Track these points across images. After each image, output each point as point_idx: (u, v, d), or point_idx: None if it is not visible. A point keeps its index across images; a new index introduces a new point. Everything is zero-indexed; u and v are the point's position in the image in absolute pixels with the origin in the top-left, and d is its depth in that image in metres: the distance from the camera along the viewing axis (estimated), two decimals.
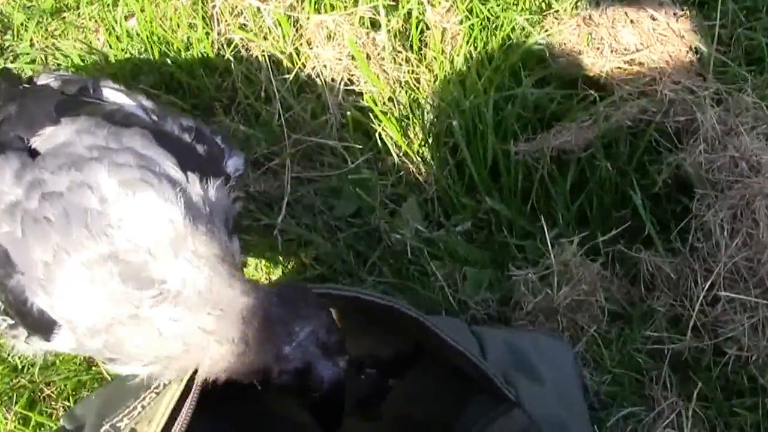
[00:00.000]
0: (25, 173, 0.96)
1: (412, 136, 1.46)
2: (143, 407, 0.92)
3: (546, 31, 1.49)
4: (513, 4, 1.56)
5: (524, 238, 1.37)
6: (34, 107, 1.04)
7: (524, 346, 1.15)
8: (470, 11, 1.54)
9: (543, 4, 1.56)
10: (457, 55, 1.50)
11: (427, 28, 1.53)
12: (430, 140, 1.45)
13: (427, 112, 1.46)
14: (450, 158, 1.42)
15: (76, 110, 1.02)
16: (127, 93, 1.11)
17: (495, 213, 1.37)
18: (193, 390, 0.83)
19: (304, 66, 1.53)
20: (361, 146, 1.47)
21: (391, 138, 1.45)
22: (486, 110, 1.40)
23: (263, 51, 1.55)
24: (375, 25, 1.53)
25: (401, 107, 1.48)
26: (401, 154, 1.45)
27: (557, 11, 1.53)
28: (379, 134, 1.46)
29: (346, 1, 1.55)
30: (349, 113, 1.47)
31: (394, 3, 1.54)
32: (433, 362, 1.06)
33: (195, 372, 0.84)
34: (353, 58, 1.49)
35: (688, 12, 1.49)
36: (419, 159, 1.44)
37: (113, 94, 1.10)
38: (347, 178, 1.43)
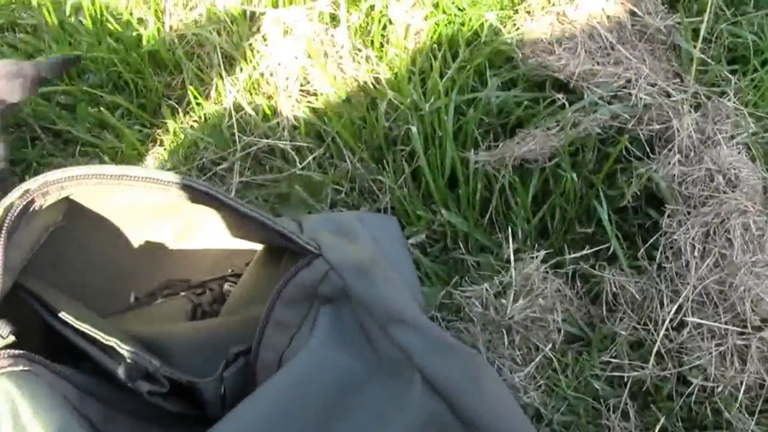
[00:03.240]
0: None
1: (367, 140, 1.45)
2: None
3: (517, 28, 1.47)
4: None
5: (482, 251, 1.35)
6: None
7: (346, 218, 1.17)
8: (436, 6, 1.52)
9: None
10: (420, 54, 1.49)
11: (390, 23, 1.52)
12: (386, 146, 1.43)
13: (385, 115, 1.44)
14: (406, 166, 1.41)
15: None
16: None
17: (451, 225, 1.36)
18: None
19: (258, 64, 1.52)
20: (312, 149, 1.46)
21: (346, 142, 1.44)
22: (446, 115, 1.38)
23: (216, 47, 1.54)
24: (335, 20, 1.52)
25: (358, 109, 1.47)
26: (356, 159, 1.43)
27: (529, 5, 1.51)
28: (333, 138, 1.46)
29: None
30: (302, 115, 1.46)
31: None
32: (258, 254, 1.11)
33: None
34: (310, 56, 1.48)
35: (668, 6, 1.47)
36: (374, 166, 1.43)
37: None
38: (296, 183, 1.42)
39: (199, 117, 1.54)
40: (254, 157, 1.49)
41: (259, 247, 1.13)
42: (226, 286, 1.19)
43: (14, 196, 0.84)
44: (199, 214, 1.04)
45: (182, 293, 1.17)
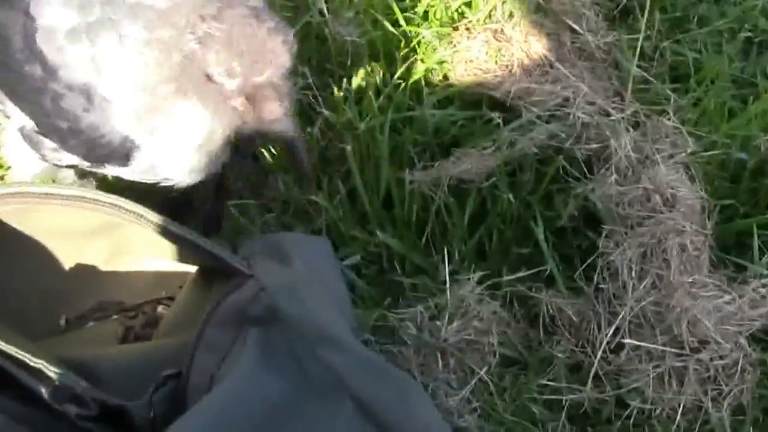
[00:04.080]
0: None
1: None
2: None
3: (453, 46, 1.49)
4: (421, 15, 1.56)
5: (418, 273, 1.37)
6: None
7: (279, 240, 1.18)
8: (374, 23, 1.54)
9: (455, 14, 1.56)
10: (356, 71, 1.50)
11: (326, 40, 1.54)
12: (320, 166, 1.45)
13: (319, 134, 1.46)
14: (342, 186, 1.42)
15: None
16: None
17: (387, 247, 1.37)
18: None
19: None
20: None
21: (278, 161, 1.45)
22: (381, 134, 1.40)
23: None
24: None
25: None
26: (289, 180, 1.45)
27: (470, 22, 1.53)
28: (265, 156, 1.47)
29: None
30: None
31: (292, 15, 1.54)
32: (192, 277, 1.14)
33: None
34: None
35: (609, 24, 1.50)
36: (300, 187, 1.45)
37: None
38: (225, 203, 1.44)
39: None
40: None
41: (193, 269, 1.14)
42: (159, 308, 1.19)
43: None
44: (132, 235, 1.05)
45: (114, 316, 1.17)
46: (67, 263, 1.11)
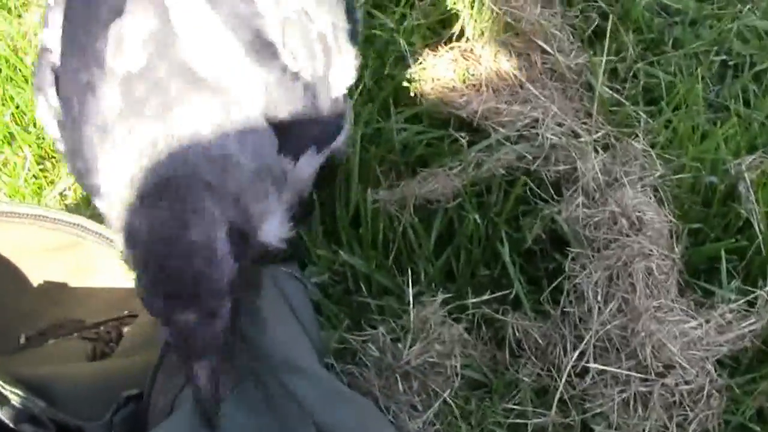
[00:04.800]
0: None
1: None
2: None
3: (421, 64, 1.51)
4: (396, 29, 1.59)
5: (385, 294, 1.39)
6: None
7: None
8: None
9: (427, 33, 1.58)
10: None
11: None
12: None
13: None
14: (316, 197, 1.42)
15: None
16: None
17: (353, 266, 1.39)
18: None
19: None
20: None
21: None
22: (353, 150, 1.42)
23: None
24: None
25: None
26: None
27: (439, 40, 1.55)
28: None
29: None
30: None
31: None
32: None
33: None
34: None
35: (582, 45, 1.52)
36: None
37: None
38: None
39: None
40: None
41: None
42: (126, 329, 1.20)
43: None
44: (95, 253, 1.06)
45: (75, 334, 1.18)
46: (29, 280, 1.12)
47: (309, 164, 1.10)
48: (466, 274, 1.39)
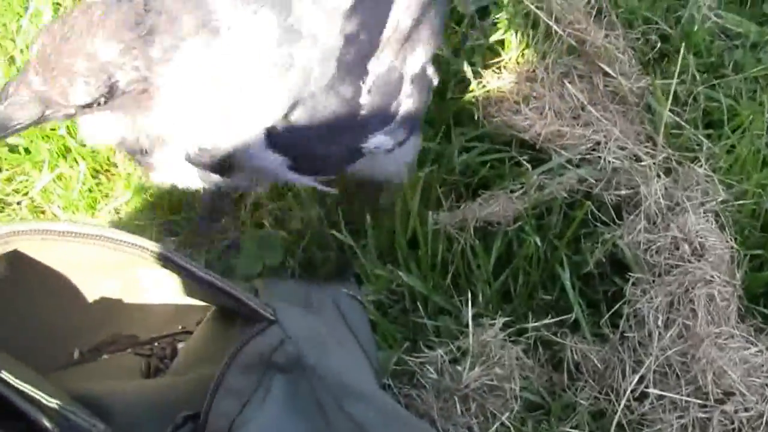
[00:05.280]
0: None
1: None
2: None
3: (483, 86, 1.53)
4: (456, 50, 1.62)
5: (441, 314, 1.41)
6: None
7: (303, 284, 1.25)
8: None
9: (487, 54, 1.60)
10: None
11: None
12: (346, 203, 1.51)
13: None
14: (369, 219, 1.45)
15: None
16: None
17: (410, 286, 1.41)
18: None
19: None
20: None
21: (303, 192, 1.52)
22: (414, 173, 1.45)
23: None
24: None
25: None
26: (312, 212, 1.50)
27: (500, 62, 1.57)
28: (295, 193, 1.53)
29: None
30: None
31: None
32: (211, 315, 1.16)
33: None
34: None
35: (643, 68, 1.53)
36: (325, 218, 1.51)
37: None
38: (248, 236, 1.50)
39: None
40: None
41: (203, 303, 1.17)
42: (180, 344, 1.22)
43: None
44: (150, 271, 1.08)
45: (128, 350, 1.20)
46: (84, 296, 1.13)
47: None
48: (524, 297, 1.41)
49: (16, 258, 0.98)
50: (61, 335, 1.15)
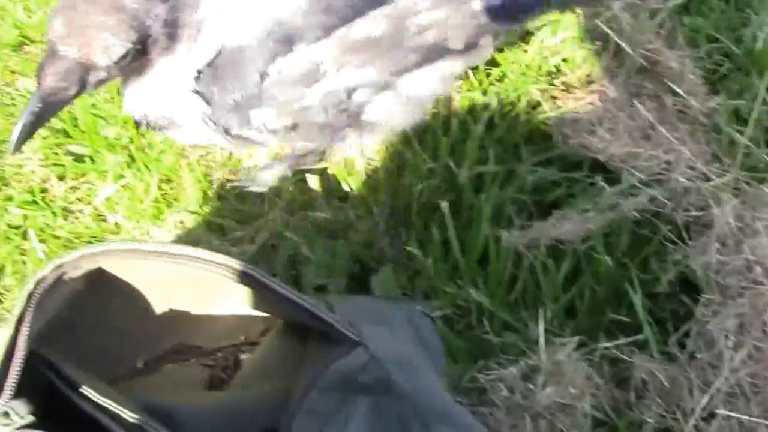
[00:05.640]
0: None
1: (394, 205, 1.56)
2: None
3: (558, 106, 1.57)
4: (521, 71, 1.63)
5: (506, 329, 1.43)
6: None
7: (378, 303, 1.26)
8: (471, 77, 1.64)
9: (552, 70, 1.63)
10: (452, 123, 1.58)
11: None
12: (415, 212, 1.53)
13: (413, 184, 1.54)
14: (437, 234, 1.48)
15: None
16: None
17: (478, 302, 1.43)
18: (17, 348, 0.86)
19: None
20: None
21: (369, 206, 1.55)
22: (486, 191, 1.49)
23: None
24: None
25: (384, 173, 1.58)
26: (382, 222, 1.54)
27: (566, 81, 1.59)
28: (357, 204, 1.56)
29: None
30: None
31: None
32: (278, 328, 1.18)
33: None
34: None
35: (711, 87, 1.55)
36: (390, 231, 1.54)
37: None
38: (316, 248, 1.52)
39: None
40: None
41: (267, 315, 1.19)
42: (243, 355, 1.24)
43: (47, 269, 0.91)
44: (220, 284, 1.09)
45: (192, 359, 1.23)
46: (152, 307, 1.15)
47: None
48: (590, 314, 1.43)
49: (94, 272, 1.00)
50: (127, 345, 1.17)
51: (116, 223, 1.65)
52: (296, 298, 1.01)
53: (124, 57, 1.15)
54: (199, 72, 1.25)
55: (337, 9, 1.24)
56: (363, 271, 1.52)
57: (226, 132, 1.31)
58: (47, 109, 1.15)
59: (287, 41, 1.24)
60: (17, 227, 1.65)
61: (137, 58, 1.18)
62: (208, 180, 1.67)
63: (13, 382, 0.83)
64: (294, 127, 1.34)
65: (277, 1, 1.24)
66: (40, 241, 1.63)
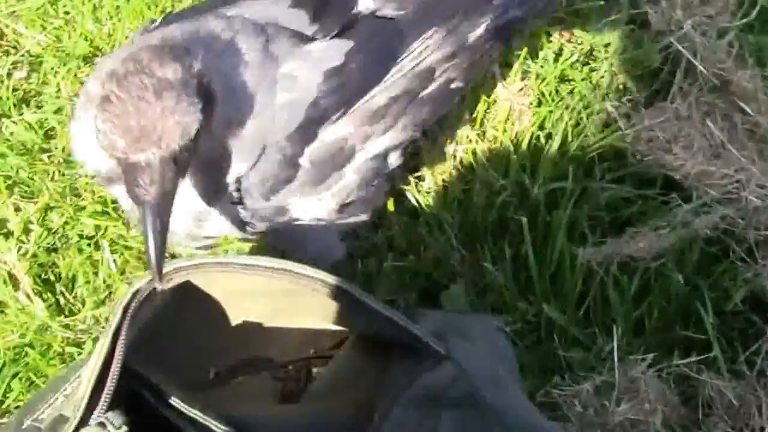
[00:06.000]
0: None
1: (463, 221, 1.58)
2: (66, 396, 1.02)
3: (632, 124, 1.59)
4: (595, 87, 1.67)
5: (574, 345, 1.46)
6: None
7: (457, 318, 1.24)
8: (542, 93, 1.67)
9: (622, 87, 1.66)
10: (524, 139, 1.62)
11: (494, 103, 1.67)
12: (486, 230, 1.56)
13: (483, 200, 1.57)
14: (508, 250, 1.51)
15: None
16: None
17: (548, 318, 1.46)
18: (115, 359, 0.89)
19: None
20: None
21: (440, 222, 1.57)
22: (563, 208, 1.51)
23: None
24: None
25: (454, 188, 1.60)
26: (453, 238, 1.56)
27: (636, 99, 1.64)
28: (427, 220, 1.59)
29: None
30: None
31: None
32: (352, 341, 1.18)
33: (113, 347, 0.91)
34: None
35: None
36: (462, 247, 1.56)
37: None
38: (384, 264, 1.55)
39: None
40: None
41: (343, 329, 1.19)
42: (315, 369, 1.24)
43: (142, 282, 0.94)
44: (296, 297, 1.09)
45: (263, 372, 1.22)
46: (230, 320, 1.16)
47: None
48: (659, 331, 1.46)
49: (181, 284, 1.02)
50: (202, 355, 1.18)
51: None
52: (389, 312, 1.01)
53: (199, 125, 1.12)
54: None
55: (351, 82, 1.28)
56: (432, 286, 1.55)
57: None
58: (163, 217, 1.12)
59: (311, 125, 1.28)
60: (90, 238, 1.68)
61: (208, 116, 1.15)
62: None
63: (109, 394, 0.86)
64: (341, 209, 1.37)
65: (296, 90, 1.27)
66: (112, 252, 1.65)
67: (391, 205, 1.59)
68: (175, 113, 1.07)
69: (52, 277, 1.65)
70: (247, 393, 1.16)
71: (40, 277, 1.64)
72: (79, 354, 1.54)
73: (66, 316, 1.59)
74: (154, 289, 0.96)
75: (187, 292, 1.04)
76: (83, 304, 1.61)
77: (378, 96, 1.29)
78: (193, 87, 1.10)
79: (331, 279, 0.99)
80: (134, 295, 0.92)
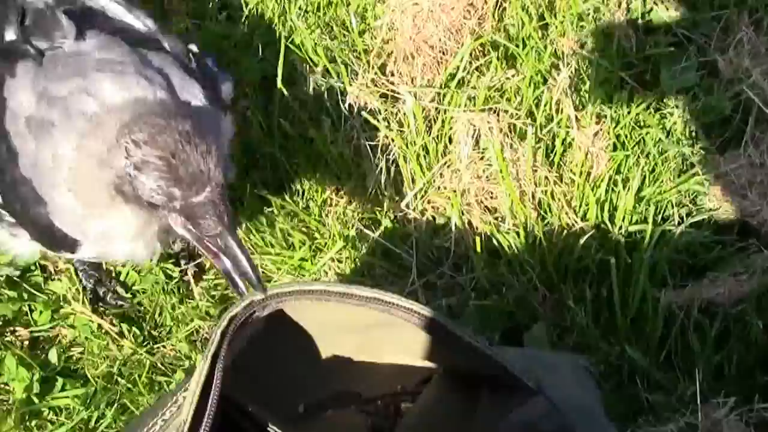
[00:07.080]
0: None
1: (544, 263, 1.63)
2: (164, 421, 1.05)
3: (707, 170, 1.65)
4: (669, 133, 1.73)
5: (656, 387, 1.51)
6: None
7: (542, 355, 1.31)
8: (618, 137, 1.73)
9: (694, 133, 1.73)
10: (602, 182, 1.67)
11: (570, 146, 1.73)
12: (565, 271, 1.62)
13: (562, 238, 1.63)
14: (588, 291, 1.57)
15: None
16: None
17: (630, 360, 1.51)
18: (214, 384, 0.93)
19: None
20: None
21: (522, 263, 1.63)
22: (644, 250, 1.56)
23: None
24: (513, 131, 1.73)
25: (535, 230, 1.65)
26: (536, 279, 1.62)
27: (707, 146, 1.70)
28: (509, 260, 1.64)
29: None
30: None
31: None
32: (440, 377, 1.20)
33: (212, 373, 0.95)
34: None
35: None
36: (544, 288, 1.62)
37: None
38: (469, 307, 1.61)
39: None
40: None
41: (429, 365, 1.22)
42: (404, 405, 1.26)
43: (239, 307, 0.98)
44: (383, 333, 1.13)
45: (352, 407, 1.24)
46: (320, 352, 1.19)
47: None
48: (741, 376, 1.51)
49: (274, 312, 1.05)
50: (292, 388, 1.20)
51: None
52: (483, 346, 1.03)
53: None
54: None
55: None
56: (515, 326, 1.60)
57: None
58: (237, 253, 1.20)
59: None
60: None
61: None
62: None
63: (210, 416, 0.91)
64: None
65: None
66: None
67: (476, 246, 1.64)
68: (212, 155, 1.18)
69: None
70: (338, 428, 1.20)
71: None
72: (169, 384, 1.60)
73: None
74: (251, 315, 1.00)
75: (279, 323, 1.07)
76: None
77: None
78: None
79: (426, 311, 1.02)
80: (231, 320, 0.97)
